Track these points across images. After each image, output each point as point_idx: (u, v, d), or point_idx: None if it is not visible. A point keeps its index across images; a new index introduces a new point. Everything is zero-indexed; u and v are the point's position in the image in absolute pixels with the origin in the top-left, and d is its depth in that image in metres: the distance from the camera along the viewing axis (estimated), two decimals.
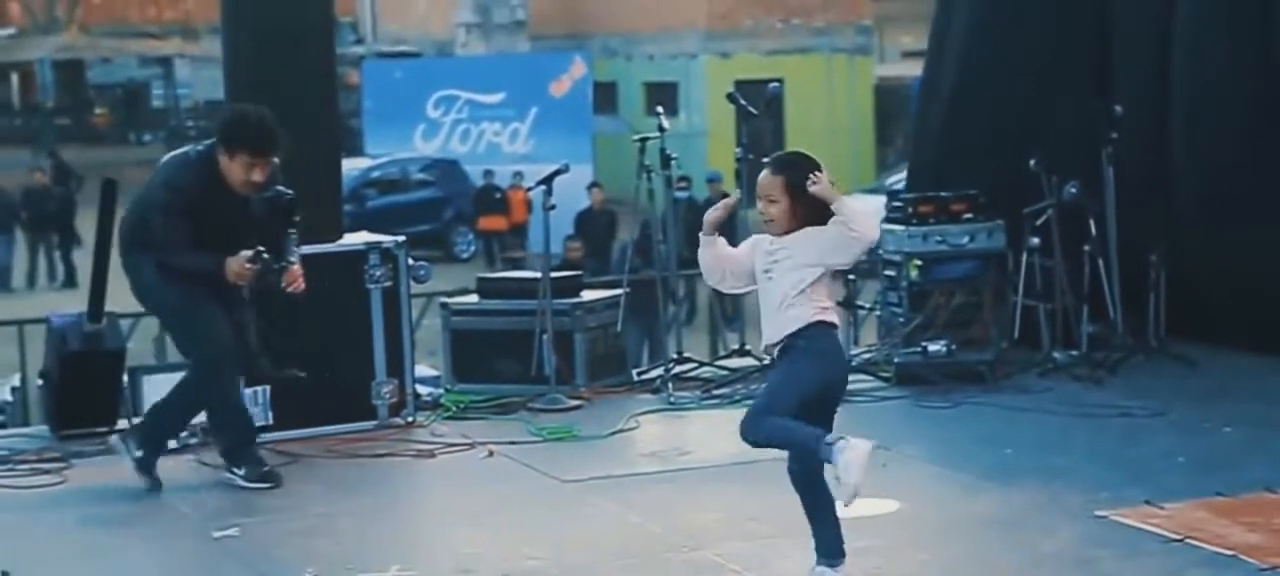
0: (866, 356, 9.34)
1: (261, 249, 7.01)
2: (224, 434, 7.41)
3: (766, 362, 9.13)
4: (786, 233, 5.38)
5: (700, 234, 5.54)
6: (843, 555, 5.51)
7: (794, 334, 5.34)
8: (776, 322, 5.39)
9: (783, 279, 5.36)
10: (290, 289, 7.29)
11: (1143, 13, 9.88)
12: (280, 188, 7.28)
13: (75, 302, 9.35)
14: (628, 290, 9.49)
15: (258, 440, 7.52)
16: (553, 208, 8.79)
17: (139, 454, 7.26)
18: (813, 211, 5.33)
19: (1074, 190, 9.29)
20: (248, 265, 6.98)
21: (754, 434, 5.38)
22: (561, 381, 8.81)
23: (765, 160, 5.47)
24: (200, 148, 7.24)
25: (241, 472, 7.30)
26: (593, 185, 23.50)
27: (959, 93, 10.26)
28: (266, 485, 7.27)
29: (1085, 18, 10.06)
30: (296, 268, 7.28)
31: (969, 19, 10.26)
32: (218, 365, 7.21)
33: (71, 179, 29.53)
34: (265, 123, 7.11)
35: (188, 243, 7.06)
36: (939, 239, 9.11)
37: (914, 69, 23.44)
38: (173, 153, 7.49)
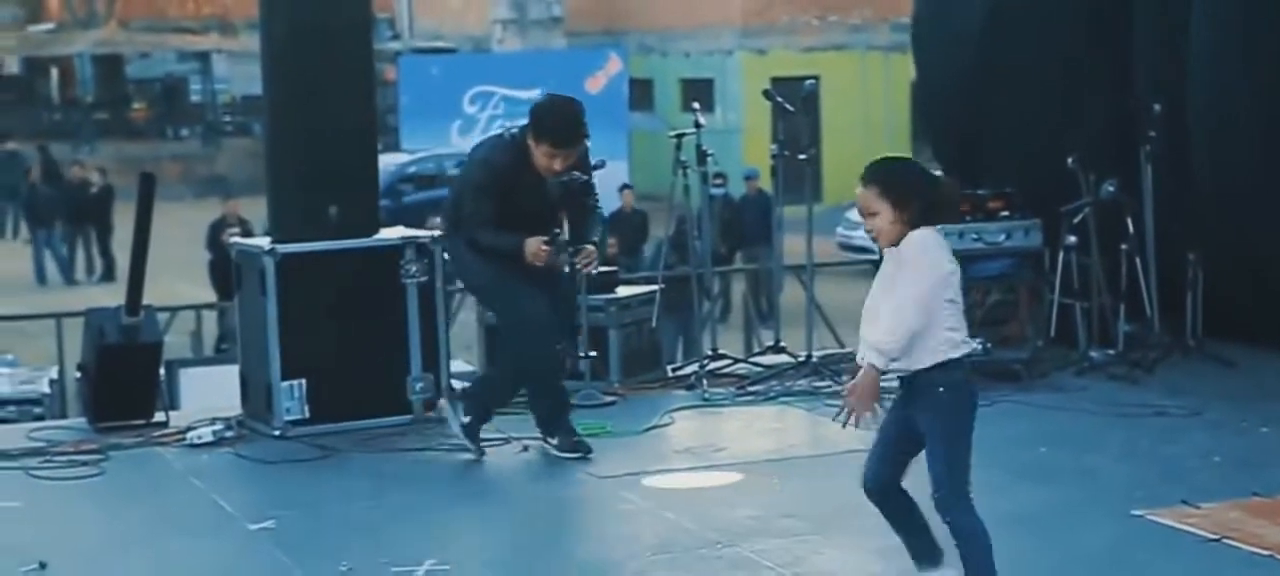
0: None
1: (557, 231, 7.28)
2: (540, 402, 7.62)
3: (802, 359, 9.16)
4: (896, 244, 5.07)
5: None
6: (942, 554, 5.33)
7: (922, 382, 5.08)
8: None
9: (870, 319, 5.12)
10: (583, 269, 7.54)
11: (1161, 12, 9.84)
12: (575, 172, 7.38)
13: (113, 297, 9.41)
14: (663, 286, 9.50)
15: (571, 411, 7.69)
16: None
17: (466, 420, 7.51)
18: (922, 212, 5.05)
19: (1112, 188, 9.26)
20: (543, 246, 7.23)
21: (954, 515, 5.12)
22: (596, 377, 8.82)
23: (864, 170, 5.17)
24: (515, 130, 7.46)
25: (554, 442, 7.54)
26: (624, 187, 23.45)
27: (985, 87, 10.25)
28: (577, 454, 7.49)
29: (1108, 11, 10.01)
30: (590, 249, 7.46)
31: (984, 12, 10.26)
32: (536, 335, 7.40)
33: (56, 174, 29.47)
34: (569, 117, 7.34)
35: (492, 221, 7.30)
36: (975, 236, 9.08)
37: None
38: (490, 134, 7.73)
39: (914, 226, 5.05)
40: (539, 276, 7.34)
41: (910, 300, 5.00)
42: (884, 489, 5.24)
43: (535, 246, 7.23)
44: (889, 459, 5.21)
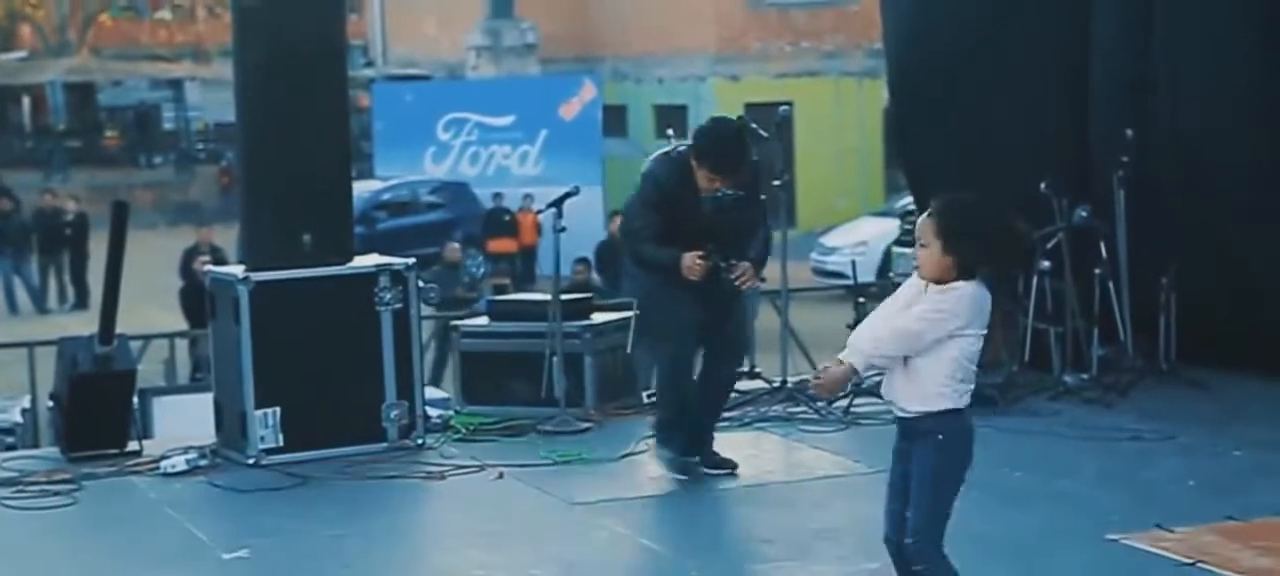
0: (877, 378, 9.31)
1: (711, 246, 7.31)
2: (661, 408, 7.70)
3: (777, 384, 9.17)
4: (935, 280, 4.96)
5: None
6: None
7: (921, 421, 5.04)
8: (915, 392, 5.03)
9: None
10: (740, 285, 7.49)
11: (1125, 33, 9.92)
12: (726, 190, 7.41)
13: (86, 325, 9.37)
14: (638, 312, 9.48)
15: (683, 429, 7.61)
16: (563, 229, 8.79)
17: (668, 454, 7.55)
18: (968, 263, 4.92)
19: (1084, 213, 9.30)
20: (698, 261, 7.29)
21: (927, 565, 5.05)
22: (571, 404, 8.81)
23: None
24: (681, 147, 7.53)
25: (666, 454, 7.57)
26: (615, 214, 23.27)
27: (957, 113, 10.31)
28: (682, 476, 7.53)
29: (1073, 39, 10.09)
30: (745, 266, 7.45)
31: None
32: (677, 339, 7.50)
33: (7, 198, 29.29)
34: (729, 142, 7.41)
35: (654, 235, 7.41)
36: None
37: None
38: (659, 151, 7.72)
39: (965, 270, 4.92)
40: (698, 293, 7.39)
41: (912, 331, 4.95)
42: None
43: (690, 260, 7.30)
44: (902, 510, 5.10)
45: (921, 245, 4.97)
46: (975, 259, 4.92)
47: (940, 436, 5.01)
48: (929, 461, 5.01)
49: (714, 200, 7.39)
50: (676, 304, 7.43)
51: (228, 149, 39.40)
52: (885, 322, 5.04)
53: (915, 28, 10.66)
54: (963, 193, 5.07)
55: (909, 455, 5.06)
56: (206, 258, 18.36)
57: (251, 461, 7.97)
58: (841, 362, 5.04)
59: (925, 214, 5.01)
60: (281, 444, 8.01)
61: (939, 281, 4.94)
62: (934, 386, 4.97)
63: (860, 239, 25.06)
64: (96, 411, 8.22)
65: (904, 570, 5.09)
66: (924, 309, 4.95)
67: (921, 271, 4.99)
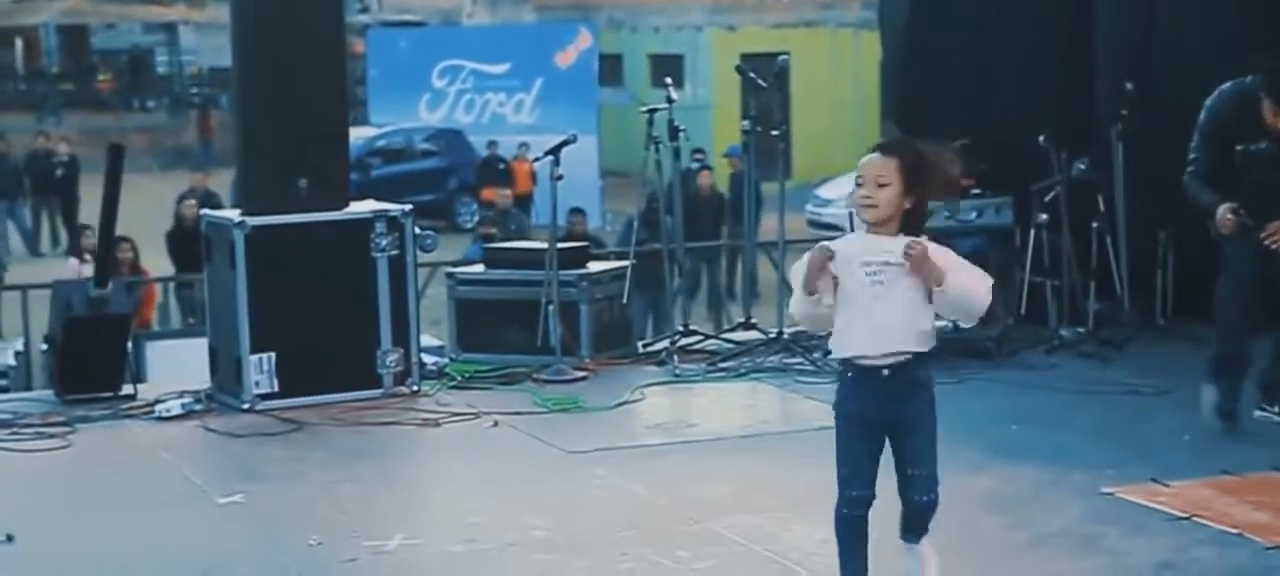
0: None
1: (1239, 205, 6.94)
2: (1218, 347, 7.36)
3: (773, 335, 9.15)
4: (883, 223, 4.83)
5: (802, 292, 4.88)
6: None
7: (922, 358, 4.88)
8: (896, 334, 4.83)
9: (894, 285, 4.81)
10: (1270, 244, 7.03)
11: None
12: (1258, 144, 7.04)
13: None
14: (634, 262, 9.48)
15: (1243, 375, 7.31)
16: (561, 177, 8.77)
17: (1214, 394, 7.26)
18: (918, 211, 4.84)
19: (1083, 166, 9.27)
20: (1229, 215, 6.99)
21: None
22: (567, 352, 8.80)
23: (878, 144, 4.97)
24: (1247, 79, 7.12)
25: (1212, 394, 7.29)
26: (702, 168, 22.18)
27: (953, 64, 10.27)
28: (1220, 421, 7.25)
29: None
30: (1278, 224, 7.01)
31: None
32: (1229, 282, 7.19)
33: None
34: None
35: (1204, 169, 7.11)
36: (946, 214, 9.08)
37: None
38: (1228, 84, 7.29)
39: (908, 220, 4.83)
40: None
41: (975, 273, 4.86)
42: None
43: (1221, 214, 6.99)
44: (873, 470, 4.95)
45: (880, 186, 4.79)
46: (929, 195, 4.85)
47: (929, 376, 4.91)
48: (928, 409, 4.91)
49: (1255, 153, 6.96)
50: (1238, 247, 7.05)
51: (219, 94, 39.30)
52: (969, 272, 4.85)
53: None
54: (899, 138, 5.04)
55: (893, 398, 4.85)
56: (193, 202, 18.32)
57: (246, 406, 7.97)
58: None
59: (878, 155, 4.86)
60: (276, 389, 8.01)
61: (887, 221, 4.81)
62: (931, 326, 4.87)
63: None
64: (91, 354, 8.21)
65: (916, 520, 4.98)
66: (945, 257, 4.84)
67: (874, 213, 4.82)
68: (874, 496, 4.91)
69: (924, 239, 4.82)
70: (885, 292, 4.81)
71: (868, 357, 4.85)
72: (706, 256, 18.38)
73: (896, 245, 4.82)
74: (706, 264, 18.75)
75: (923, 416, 4.92)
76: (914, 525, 5.01)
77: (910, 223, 4.87)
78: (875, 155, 4.89)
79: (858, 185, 4.88)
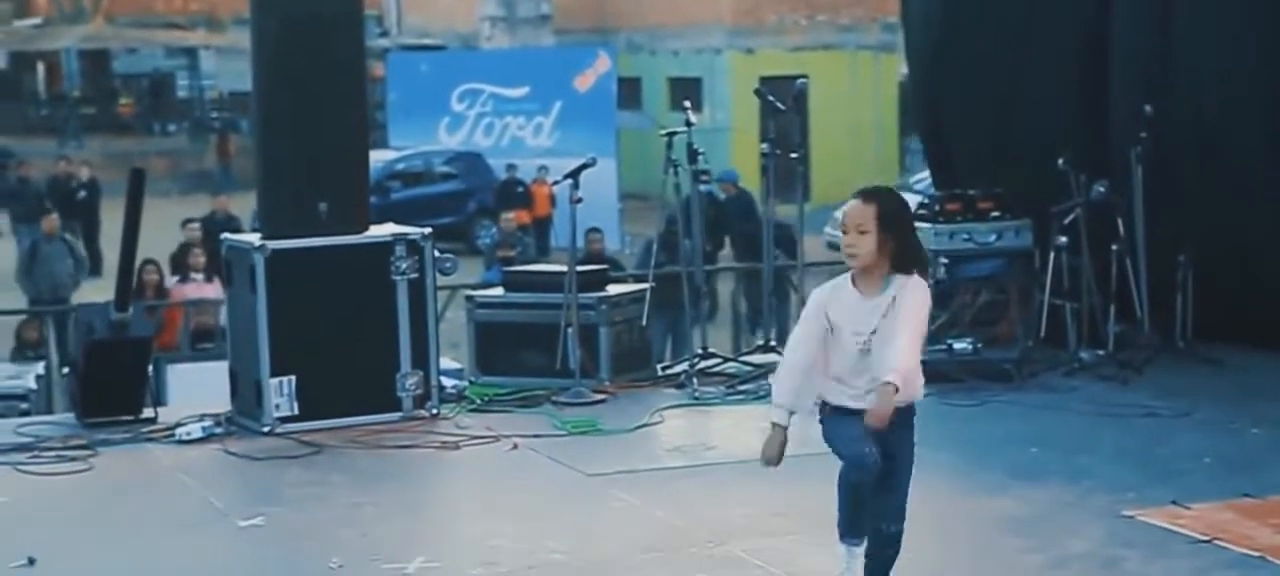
0: None
1: None
2: None
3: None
4: (868, 270, 5.00)
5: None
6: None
7: (906, 411, 5.08)
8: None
9: (883, 349, 4.97)
10: None
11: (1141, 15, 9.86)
12: None
13: (99, 292, 9.37)
14: (653, 285, 9.48)
15: None
16: (580, 200, 8.78)
17: None
18: (901, 252, 4.99)
19: (1102, 189, 9.27)
20: None
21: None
22: (586, 375, 8.81)
23: (857, 192, 5.09)
24: None
25: None
26: (723, 179, 22.14)
27: (975, 87, 10.28)
28: None
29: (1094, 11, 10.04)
30: None
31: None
32: None
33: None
34: None
35: None
36: (966, 237, 9.09)
37: None
38: None
39: (893, 264, 4.99)
40: None
41: (918, 337, 5.00)
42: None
43: None
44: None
45: (861, 233, 4.95)
46: (901, 255, 4.99)
47: (914, 418, 5.13)
48: (911, 449, 5.15)
49: None
50: None
51: (239, 118, 39.42)
52: (910, 344, 4.97)
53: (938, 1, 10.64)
54: (878, 185, 5.15)
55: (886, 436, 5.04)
56: (195, 224, 18.43)
57: (266, 429, 7.99)
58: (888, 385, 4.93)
59: (864, 200, 4.99)
60: (296, 412, 8.03)
61: (873, 268, 4.98)
62: (919, 377, 5.04)
63: None
64: (112, 378, 8.23)
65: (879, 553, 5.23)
66: (918, 309, 4.97)
67: (857, 260, 4.98)
68: (879, 462, 5.04)
69: (892, 385, 4.89)
70: (873, 360, 5.00)
71: (853, 407, 5.08)
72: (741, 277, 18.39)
73: (885, 302, 4.98)
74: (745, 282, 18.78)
75: (903, 444, 5.12)
76: (879, 562, 5.21)
77: (901, 262, 5.00)
78: (856, 201, 5.03)
79: (842, 232, 5.03)
